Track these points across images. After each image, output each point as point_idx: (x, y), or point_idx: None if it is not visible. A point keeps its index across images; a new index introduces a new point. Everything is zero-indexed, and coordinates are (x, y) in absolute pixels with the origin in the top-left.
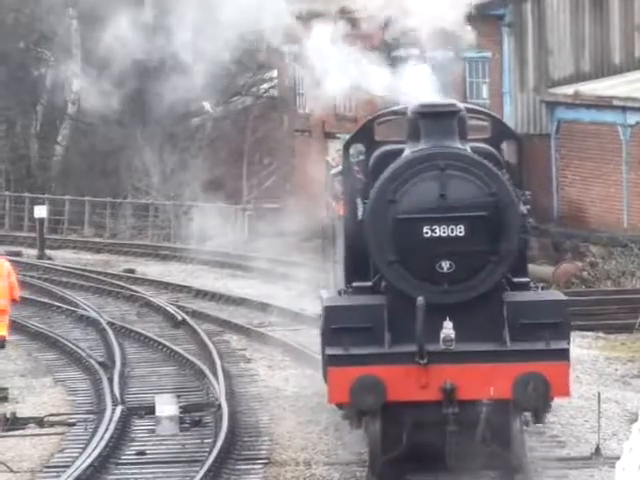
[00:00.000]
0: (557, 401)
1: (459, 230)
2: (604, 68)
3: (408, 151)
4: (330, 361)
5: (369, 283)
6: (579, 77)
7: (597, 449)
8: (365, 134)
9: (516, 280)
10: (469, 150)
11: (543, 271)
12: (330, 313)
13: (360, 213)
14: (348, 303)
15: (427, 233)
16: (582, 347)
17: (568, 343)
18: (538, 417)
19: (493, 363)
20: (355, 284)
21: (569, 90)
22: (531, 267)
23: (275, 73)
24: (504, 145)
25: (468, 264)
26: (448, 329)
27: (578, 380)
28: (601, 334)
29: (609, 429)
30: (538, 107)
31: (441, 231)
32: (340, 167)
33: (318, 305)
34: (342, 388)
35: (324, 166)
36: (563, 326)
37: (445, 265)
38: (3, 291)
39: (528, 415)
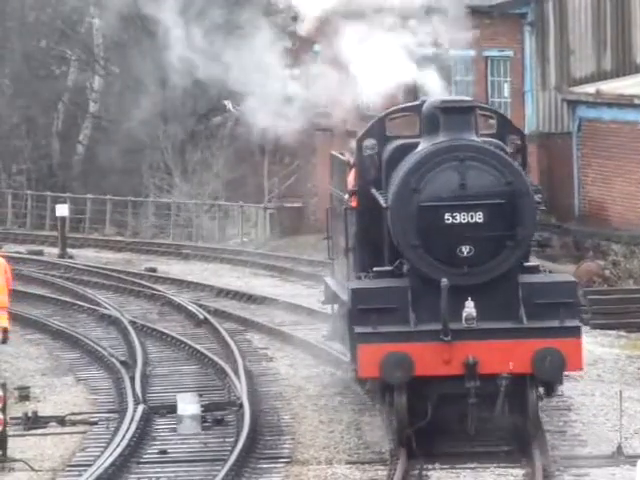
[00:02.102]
0: (579, 400)
1: (478, 217)
2: (626, 67)
3: (426, 144)
4: (360, 339)
5: (389, 268)
6: (600, 76)
7: (619, 448)
8: (377, 129)
9: (526, 264)
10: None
11: (565, 270)
12: (357, 295)
13: (382, 202)
14: (374, 285)
15: (448, 219)
16: (604, 346)
17: (580, 321)
18: (550, 390)
19: (512, 339)
20: (376, 269)
21: (591, 89)
22: (553, 266)
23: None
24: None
25: (486, 248)
26: (470, 308)
27: (600, 379)
28: (623, 333)
29: (631, 428)
30: (560, 106)
31: (461, 218)
32: (352, 161)
33: (323, 292)
34: (372, 364)
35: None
36: (574, 305)
37: (465, 249)
38: (1, 288)
39: (541, 390)
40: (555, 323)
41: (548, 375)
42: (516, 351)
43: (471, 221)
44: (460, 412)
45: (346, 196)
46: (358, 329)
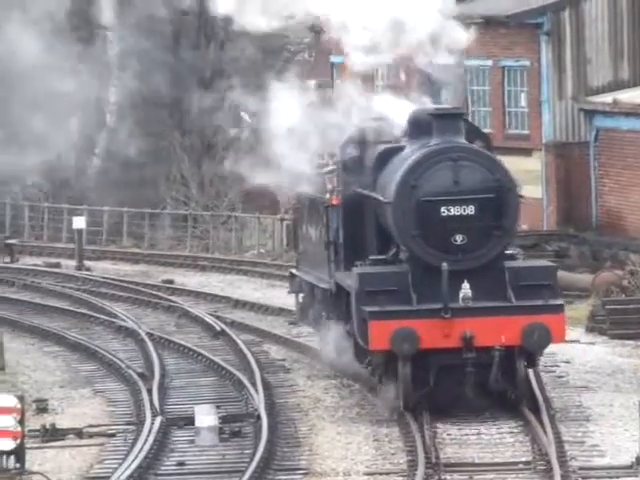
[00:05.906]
0: (598, 410)
1: (470, 210)
2: None
3: (415, 146)
4: (371, 316)
5: (383, 256)
6: (617, 85)
7: (638, 458)
8: (359, 137)
9: (506, 252)
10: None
11: (582, 280)
12: (363, 279)
13: (381, 199)
14: (378, 271)
15: (444, 212)
16: (622, 356)
17: (561, 300)
18: (533, 362)
19: (504, 316)
20: (372, 257)
21: (607, 98)
22: (570, 275)
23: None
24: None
25: (477, 237)
26: (466, 289)
27: (618, 389)
28: None
29: None
30: (577, 115)
31: (455, 210)
32: (333, 166)
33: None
34: (382, 338)
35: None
36: (555, 287)
37: (459, 238)
38: None
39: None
40: (540, 302)
41: (536, 347)
42: (507, 326)
43: (464, 213)
44: (458, 380)
45: (327, 195)
46: (368, 308)
